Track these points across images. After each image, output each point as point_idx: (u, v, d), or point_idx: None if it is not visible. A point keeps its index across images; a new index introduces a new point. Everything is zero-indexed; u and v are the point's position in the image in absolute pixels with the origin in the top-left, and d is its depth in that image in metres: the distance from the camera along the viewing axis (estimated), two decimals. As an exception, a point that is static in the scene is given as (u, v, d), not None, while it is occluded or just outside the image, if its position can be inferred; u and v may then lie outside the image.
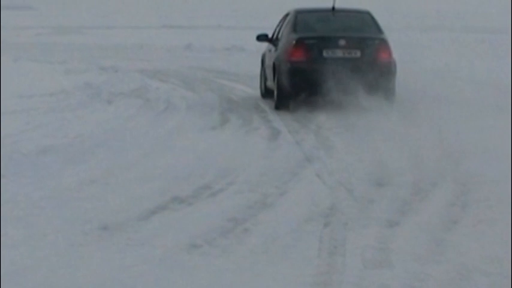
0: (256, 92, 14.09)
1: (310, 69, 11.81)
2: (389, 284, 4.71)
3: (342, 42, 12.06)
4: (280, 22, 13.59)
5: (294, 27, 12.57)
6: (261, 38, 13.64)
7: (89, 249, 5.31)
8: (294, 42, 12.18)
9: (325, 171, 7.64)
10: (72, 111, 11.28)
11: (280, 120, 10.84)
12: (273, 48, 13.01)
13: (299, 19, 12.80)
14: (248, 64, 19.84)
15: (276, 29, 13.58)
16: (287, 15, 13.32)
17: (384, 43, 12.23)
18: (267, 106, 12.50)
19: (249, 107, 12.53)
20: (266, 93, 13.44)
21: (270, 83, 12.87)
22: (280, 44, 12.65)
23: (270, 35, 13.50)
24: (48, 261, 5.04)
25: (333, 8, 12.82)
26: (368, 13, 13.10)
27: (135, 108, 11.89)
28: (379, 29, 12.60)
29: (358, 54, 12.01)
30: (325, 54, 11.96)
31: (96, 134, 9.40)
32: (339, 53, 11.98)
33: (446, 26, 36.74)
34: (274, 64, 12.39)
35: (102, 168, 7.77)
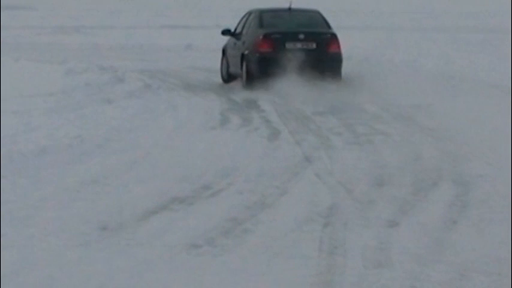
0: (257, 91, 14.16)
1: (275, 58, 14.34)
2: (389, 284, 4.71)
3: (301, 36, 14.69)
4: (241, 20, 16.18)
5: (260, 24, 15.15)
6: (225, 32, 16.30)
7: (88, 249, 5.31)
8: (261, 36, 14.74)
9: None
10: (72, 111, 11.27)
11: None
12: (237, 42, 15.63)
13: (263, 17, 15.45)
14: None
15: (237, 26, 16.18)
16: (249, 14, 15.88)
17: (334, 37, 14.87)
18: (267, 106, 12.51)
19: (249, 107, 12.52)
20: (228, 78, 16.04)
21: (234, 70, 15.50)
22: (247, 38, 15.17)
23: (232, 31, 16.10)
24: (48, 261, 5.04)
25: (289, 8, 15.61)
26: (318, 12, 15.73)
27: (135, 108, 11.88)
28: (328, 25, 15.22)
29: (314, 46, 14.67)
30: (287, 46, 14.59)
31: (96, 134, 9.39)
32: (299, 45, 14.61)
33: (446, 26, 36.76)
34: (243, 54, 14.87)
35: (102, 168, 7.77)
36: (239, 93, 14.38)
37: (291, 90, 13.39)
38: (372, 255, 5.21)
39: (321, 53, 14.62)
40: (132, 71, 18.52)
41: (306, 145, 9.05)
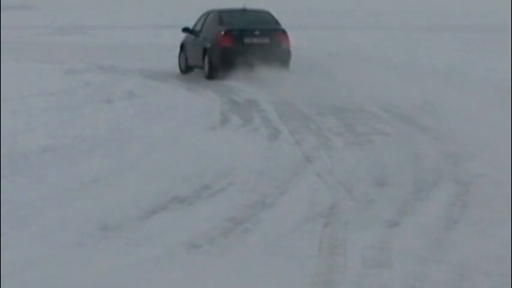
0: (259, 90, 14.38)
1: (235, 51, 16.73)
2: (389, 284, 4.72)
3: (257, 32, 17.15)
4: (200, 19, 18.66)
5: (221, 22, 17.59)
6: (185, 30, 18.88)
7: (88, 249, 5.31)
8: (223, 32, 17.11)
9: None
10: (72, 111, 11.27)
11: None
12: (197, 38, 18.07)
13: (223, 16, 17.83)
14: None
15: (196, 24, 18.67)
16: (208, 14, 18.34)
17: (284, 33, 17.32)
18: (266, 104, 12.53)
19: (249, 107, 12.52)
20: (186, 69, 18.63)
21: (195, 62, 17.95)
22: (208, 35, 17.57)
23: (191, 29, 18.69)
24: (48, 261, 5.05)
25: (244, 9, 18.11)
26: (268, 12, 18.30)
27: (135, 108, 11.88)
28: (278, 23, 17.72)
29: (268, 41, 17.13)
30: (245, 41, 16.99)
31: (96, 134, 9.39)
32: (255, 40, 17.05)
33: (446, 26, 36.76)
34: (205, 48, 17.23)
35: (102, 168, 7.77)
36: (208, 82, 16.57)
37: (251, 78, 16.02)
38: (372, 255, 5.21)
39: (273, 46, 17.04)
40: (132, 70, 18.52)
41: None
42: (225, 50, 16.84)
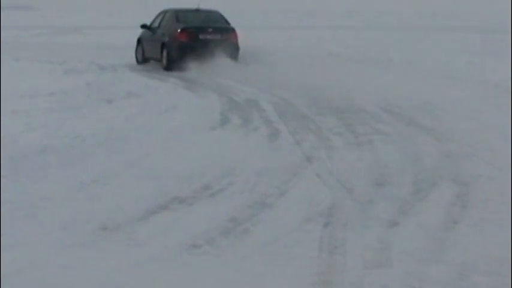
0: (260, 90, 14.54)
1: (191, 46, 19.14)
2: (389, 284, 4.72)
3: (210, 29, 19.58)
4: (157, 17, 21.18)
5: (177, 20, 19.95)
6: (143, 26, 21.50)
7: (89, 249, 5.31)
8: (179, 30, 19.49)
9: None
10: (72, 111, 11.27)
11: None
12: (154, 34, 20.51)
13: (179, 15, 20.25)
14: (251, 62, 19.81)
15: (153, 22, 21.18)
16: (165, 13, 20.82)
17: (233, 31, 19.78)
18: (266, 104, 12.53)
19: (249, 107, 12.53)
20: (143, 61, 21.15)
21: (152, 55, 20.49)
22: (166, 31, 19.91)
23: (149, 25, 21.24)
24: (48, 261, 5.05)
25: (198, 9, 20.66)
26: (219, 12, 20.89)
27: (135, 108, 11.88)
28: (227, 22, 20.23)
29: (219, 37, 19.49)
30: (200, 37, 19.37)
31: (96, 134, 9.39)
32: (209, 36, 19.42)
33: (446, 26, 36.74)
34: (163, 43, 19.64)
35: (102, 168, 7.77)
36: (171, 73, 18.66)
37: (203, 68, 18.42)
38: (372, 255, 5.21)
39: (224, 42, 19.37)
40: (132, 70, 18.52)
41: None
42: (181, 44, 19.25)
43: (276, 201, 6.64)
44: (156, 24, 20.92)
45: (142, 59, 21.21)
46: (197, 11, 20.62)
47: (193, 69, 18.48)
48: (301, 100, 13.27)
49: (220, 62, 18.56)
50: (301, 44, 27.37)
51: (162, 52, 19.63)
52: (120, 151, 8.61)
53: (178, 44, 19.24)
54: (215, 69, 18.15)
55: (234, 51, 19.41)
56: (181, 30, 19.40)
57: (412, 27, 34.72)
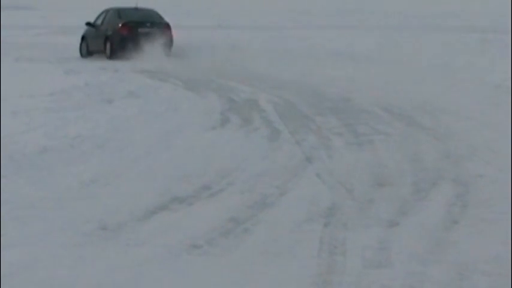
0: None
1: (131, 39, 22.41)
2: (389, 284, 4.71)
3: (148, 24, 23.13)
4: (100, 16, 24.46)
5: (119, 17, 23.41)
6: (88, 24, 24.70)
7: (88, 249, 5.31)
8: (121, 25, 22.95)
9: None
10: (72, 111, 11.27)
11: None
12: (98, 30, 23.76)
13: (121, 12, 23.69)
14: (252, 64, 19.83)
15: (96, 20, 24.52)
16: (107, 11, 24.18)
17: (168, 26, 23.27)
18: (267, 105, 12.54)
19: (250, 108, 12.53)
20: (87, 54, 24.10)
21: (96, 48, 23.68)
22: (109, 26, 23.28)
23: (92, 23, 24.54)
24: (48, 261, 5.04)
25: (136, 8, 24.07)
26: (155, 10, 24.41)
27: (135, 108, 11.88)
28: (162, 18, 23.71)
29: (156, 31, 22.81)
30: (139, 30, 22.76)
31: (96, 134, 9.39)
32: (146, 30, 22.84)
33: (446, 26, 36.74)
34: (107, 36, 23.05)
35: (102, 168, 7.77)
36: (109, 61, 21.86)
37: (141, 58, 21.53)
38: (372, 255, 5.21)
39: (160, 36, 22.64)
40: (132, 70, 18.52)
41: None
42: (123, 37, 22.60)
43: (276, 201, 6.64)
44: (99, 21, 24.23)
45: (87, 52, 24.20)
46: (136, 9, 24.12)
47: (133, 58, 21.68)
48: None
49: (156, 52, 21.80)
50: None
51: (105, 44, 23.00)
52: (120, 151, 8.61)
53: (120, 37, 22.69)
54: (151, 57, 21.32)
55: (168, 43, 22.87)
56: (123, 25, 22.89)
57: (412, 27, 34.71)
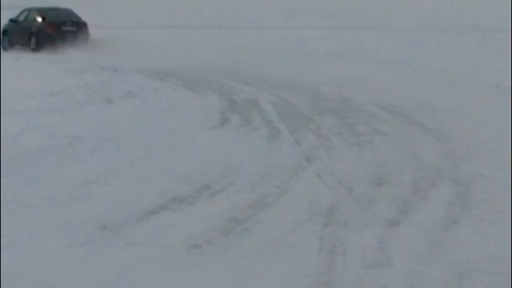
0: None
1: (55, 35, 25.87)
2: (389, 284, 4.71)
3: (69, 23, 26.44)
4: (22, 13, 27.78)
5: (42, 15, 26.65)
6: (12, 20, 27.93)
7: (89, 249, 5.31)
8: (46, 22, 26.16)
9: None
10: (72, 111, 11.27)
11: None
12: (21, 26, 27.02)
13: (43, 12, 27.04)
14: (252, 62, 19.86)
15: (19, 16, 27.84)
16: (29, 10, 27.49)
17: (85, 24, 26.72)
18: (267, 104, 12.54)
19: (249, 107, 12.53)
20: (8, 46, 27.36)
21: (19, 42, 27.02)
22: (32, 24, 26.59)
23: (15, 19, 27.97)
24: (48, 261, 5.04)
25: (57, 7, 28.12)
26: (71, 10, 27.78)
27: (135, 108, 11.88)
28: (79, 17, 27.09)
29: (75, 28, 26.37)
30: (62, 28, 26.13)
31: (96, 134, 9.39)
32: (68, 28, 26.24)
33: (445, 26, 36.73)
34: (31, 32, 26.34)
35: (102, 168, 7.77)
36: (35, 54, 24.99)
37: (63, 51, 24.41)
38: (372, 255, 5.21)
39: (78, 32, 26.34)
40: (132, 70, 18.53)
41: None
42: (46, 34, 25.96)
43: (276, 201, 6.64)
44: (21, 18, 27.57)
45: (9, 45, 27.45)
46: (56, 8, 28.05)
47: (57, 51, 24.58)
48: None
49: (75, 45, 25.31)
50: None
51: (30, 39, 26.34)
52: (119, 151, 8.62)
53: (45, 33, 26.02)
54: (71, 50, 24.55)
55: (86, 38, 26.52)
56: (48, 23, 26.28)
57: (411, 27, 34.68)
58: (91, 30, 27.26)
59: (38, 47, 26.04)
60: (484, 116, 11.11)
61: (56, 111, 11.26)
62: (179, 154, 8.57)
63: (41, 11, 27.26)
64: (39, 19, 26.68)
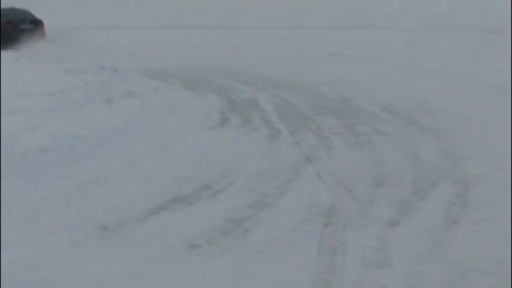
0: (262, 92, 14.57)
1: (15, 33, 27.39)
2: (389, 284, 4.72)
3: (27, 21, 28.08)
4: None
5: (5, 15, 27.92)
6: None
7: (89, 249, 5.31)
8: (6, 21, 27.50)
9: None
10: (72, 111, 11.27)
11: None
12: None
13: (4, 12, 28.35)
14: (251, 63, 19.86)
15: None
16: None
17: (41, 22, 28.66)
18: (267, 105, 12.55)
19: (249, 107, 12.53)
20: None
21: None
22: None
23: None
24: (48, 261, 5.05)
25: (14, 8, 29.42)
26: (28, 10, 30.05)
27: (135, 108, 11.88)
28: (35, 16, 28.93)
29: (33, 26, 27.98)
30: (21, 26, 27.67)
31: (96, 134, 9.39)
32: (26, 26, 27.86)
33: (445, 26, 36.74)
34: None
35: (102, 168, 7.77)
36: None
37: (23, 46, 26.18)
38: (372, 255, 5.21)
39: (35, 29, 28.02)
40: (132, 71, 18.52)
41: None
42: (8, 32, 27.48)
43: (276, 201, 6.64)
44: None
45: None
46: (14, 9, 29.62)
47: (16, 47, 26.32)
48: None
49: (34, 42, 27.13)
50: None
51: None
52: (119, 151, 8.62)
53: (7, 31, 27.65)
54: (29, 45, 26.43)
55: (42, 35, 28.48)
56: (8, 22, 27.83)
57: (411, 27, 34.68)
58: (93, 32, 28.24)
59: (4, 44, 27.64)
60: (484, 116, 11.11)
61: (56, 111, 11.26)
62: (179, 154, 8.57)
63: (4, 10, 29.16)
64: (2, 18, 28.75)
